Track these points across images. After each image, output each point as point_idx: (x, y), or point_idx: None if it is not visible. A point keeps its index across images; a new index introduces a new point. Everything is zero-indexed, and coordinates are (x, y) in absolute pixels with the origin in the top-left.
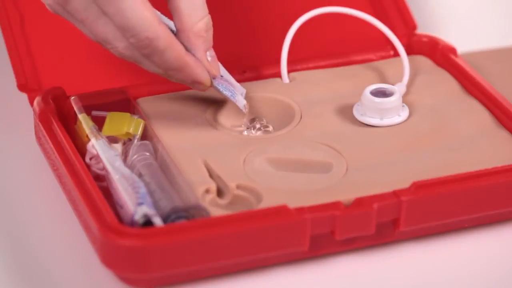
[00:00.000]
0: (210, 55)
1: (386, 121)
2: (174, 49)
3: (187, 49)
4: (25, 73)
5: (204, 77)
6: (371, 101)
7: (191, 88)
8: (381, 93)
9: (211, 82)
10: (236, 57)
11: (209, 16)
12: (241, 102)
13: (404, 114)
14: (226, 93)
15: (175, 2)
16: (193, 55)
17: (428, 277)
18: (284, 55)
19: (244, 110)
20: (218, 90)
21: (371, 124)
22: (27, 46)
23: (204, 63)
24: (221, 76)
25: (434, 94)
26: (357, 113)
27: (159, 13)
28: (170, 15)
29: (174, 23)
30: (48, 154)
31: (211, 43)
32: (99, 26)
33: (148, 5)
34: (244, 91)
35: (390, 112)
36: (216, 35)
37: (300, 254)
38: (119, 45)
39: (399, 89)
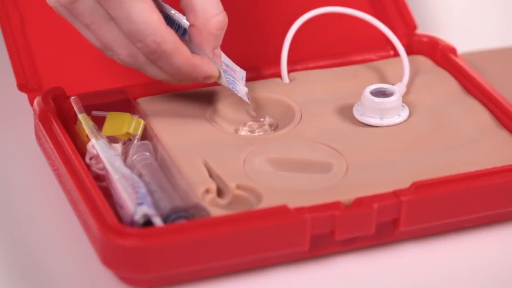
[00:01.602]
0: (217, 53)
1: (386, 121)
2: (181, 52)
3: (194, 46)
4: (25, 73)
5: (213, 71)
6: (371, 101)
7: (191, 88)
8: (381, 93)
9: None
10: (237, 57)
11: (224, 13)
12: (242, 91)
13: (404, 114)
14: (229, 86)
15: None
16: (199, 52)
17: (428, 277)
18: (284, 55)
19: (247, 100)
20: (220, 84)
21: (371, 124)
22: (27, 46)
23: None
24: (223, 64)
25: (434, 94)
26: (357, 113)
27: (170, 7)
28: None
29: (187, 18)
30: (48, 154)
31: (220, 42)
32: (104, 31)
33: (155, 9)
34: (244, 73)
35: (390, 112)
36: None
37: (300, 254)
38: (122, 52)
39: (399, 89)
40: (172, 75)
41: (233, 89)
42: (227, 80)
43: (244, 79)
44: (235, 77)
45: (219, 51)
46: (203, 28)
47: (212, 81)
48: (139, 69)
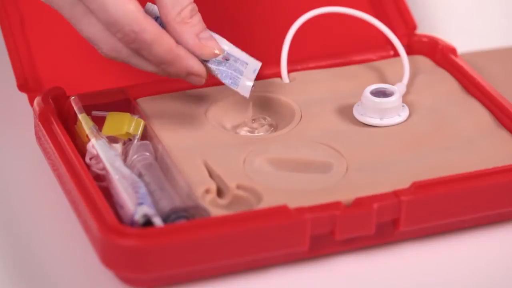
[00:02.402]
0: (203, 36)
1: (386, 121)
2: (162, 42)
3: (178, 42)
4: (25, 73)
5: (198, 68)
6: (371, 101)
7: (191, 88)
8: (381, 93)
9: (211, 70)
10: None
11: (193, 4)
12: (245, 88)
13: (404, 114)
14: (226, 81)
15: None
16: (184, 45)
17: (428, 277)
18: (284, 55)
19: (245, 95)
20: (218, 77)
21: (371, 124)
22: (27, 46)
23: (196, 49)
24: (226, 59)
25: (434, 94)
26: (357, 113)
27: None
28: None
29: (160, 13)
30: (48, 154)
31: (200, 26)
32: (84, 25)
33: None
34: (258, 65)
35: (390, 112)
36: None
37: (300, 254)
38: (105, 46)
39: (399, 89)
40: (156, 65)
41: (232, 86)
42: (221, 74)
43: (257, 71)
44: (239, 70)
45: (206, 33)
46: (174, 22)
47: (198, 81)
48: (125, 62)
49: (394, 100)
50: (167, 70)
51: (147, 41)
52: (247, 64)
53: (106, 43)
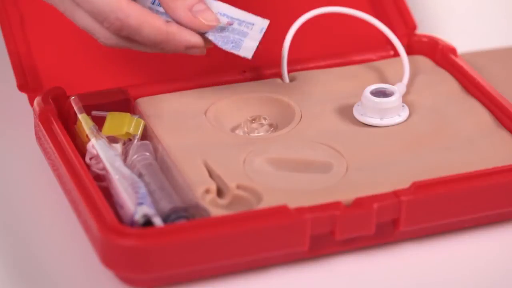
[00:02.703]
0: (196, 9)
1: (386, 121)
2: (150, 24)
3: (172, 18)
4: (25, 73)
5: (195, 40)
6: (371, 101)
7: (190, 88)
8: (381, 93)
9: (209, 39)
10: (236, 57)
11: None
12: (248, 50)
13: (404, 114)
14: (227, 46)
15: None
16: (178, 21)
17: (428, 277)
18: (285, 55)
19: (248, 56)
20: (218, 45)
21: (371, 124)
22: (27, 46)
23: (190, 22)
24: (229, 24)
25: (434, 94)
26: (357, 113)
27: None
28: None
29: None
30: (48, 154)
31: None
32: (77, 18)
33: None
34: (265, 24)
35: (390, 112)
36: None
37: (300, 254)
38: (100, 36)
39: (399, 89)
40: (152, 46)
41: (234, 50)
42: (222, 41)
43: (264, 30)
44: (243, 33)
45: (200, 6)
46: None
47: (200, 52)
48: (126, 47)
49: (394, 100)
50: (165, 49)
51: (133, 26)
52: (252, 25)
53: (100, 33)
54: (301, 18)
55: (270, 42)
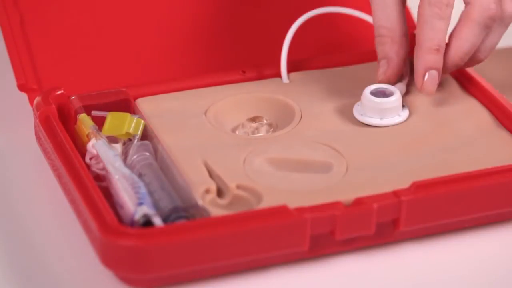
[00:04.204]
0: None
1: (386, 121)
2: None
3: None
4: (25, 73)
5: None
6: (371, 101)
7: (190, 88)
8: (381, 93)
9: None
10: (236, 57)
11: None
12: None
13: (404, 114)
14: None
15: None
16: None
17: (428, 277)
18: (284, 55)
19: None
20: None
21: (371, 124)
22: (27, 46)
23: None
24: None
25: (434, 94)
26: (357, 113)
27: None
28: None
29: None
30: (48, 154)
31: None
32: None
33: None
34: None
35: (390, 112)
36: (216, 35)
37: (300, 254)
38: None
39: (399, 89)
40: None
41: None
42: None
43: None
44: None
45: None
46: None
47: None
48: None
49: (394, 100)
50: None
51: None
52: None
53: None
54: (301, 18)
55: (270, 42)
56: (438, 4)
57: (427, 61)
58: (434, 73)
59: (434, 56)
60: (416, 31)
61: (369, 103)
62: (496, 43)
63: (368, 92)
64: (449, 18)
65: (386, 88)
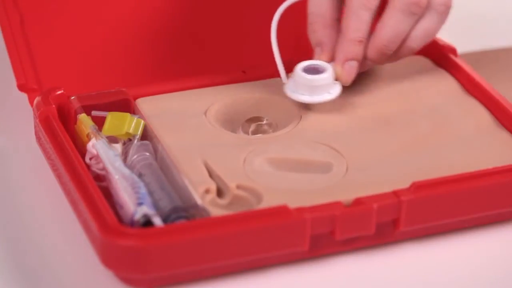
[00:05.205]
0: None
1: (316, 98)
2: None
3: None
4: (25, 73)
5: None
6: (302, 78)
7: (190, 88)
8: (313, 70)
9: None
10: (236, 57)
11: None
12: None
13: (334, 91)
14: None
15: None
16: None
17: (428, 277)
18: (275, 51)
19: None
20: None
21: (300, 100)
22: (27, 46)
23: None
24: None
25: (434, 94)
26: (288, 90)
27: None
28: None
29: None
30: (48, 154)
31: None
32: None
33: None
34: None
35: (320, 90)
36: (216, 35)
37: (300, 254)
38: None
39: (332, 67)
40: None
41: None
42: None
43: None
44: None
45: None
46: None
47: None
48: None
49: (325, 77)
50: None
51: None
52: None
53: None
54: (280, 7)
55: (270, 42)
56: None
57: (349, 52)
58: (354, 63)
59: (356, 48)
60: (342, 20)
61: (300, 80)
62: (432, 31)
63: (299, 69)
64: (375, 9)
65: (319, 65)
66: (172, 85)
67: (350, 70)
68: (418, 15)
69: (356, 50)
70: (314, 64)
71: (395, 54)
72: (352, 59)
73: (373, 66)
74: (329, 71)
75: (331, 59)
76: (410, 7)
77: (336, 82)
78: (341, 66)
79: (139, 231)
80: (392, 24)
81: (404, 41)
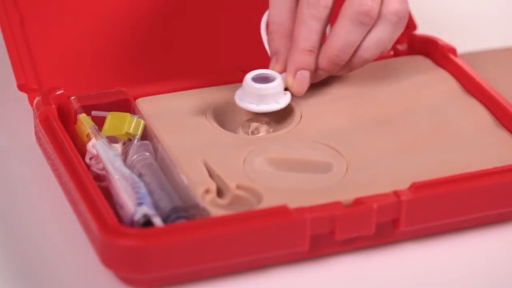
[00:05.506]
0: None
1: (263, 107)
2: None
3: None
4: (25, 73)
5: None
6: (250, 87)
7: (190, 88)
8: (263, 79)
9: None
10: (236, 57)
11: None
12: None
13: (283, 101)
14: None
15: None
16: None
17: (428, 277)
18: (268, 49)
19: None
20: None
21: (248, 109)
22: (27, 46)
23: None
24: None
25: (434, 94)
26: (237, 98)
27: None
28: None
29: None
30: (48, 154)
31: None
32: None
33: None
34: None
35: (268, 98)
36: (215, 35)
37: (300, 254)
38: None
39: (282, 77)
40: None
41: None
42: None
43: None
44: None
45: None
46: None
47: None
48: None
49: (274, 86)
50: None
51: None
52: None
53: None
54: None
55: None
56: (315, 5)
57: (300, 62)
58: (305, 73)
59: (307, 57)
60: (293, 31)
61: (248, 88)
62: (385, 41)
63: (249, 77)
64: (326, 19)
65: (269, 74)
66: (172, 85)
67: (302, 80)
68: (368, 25)
69: (307, 59)
70: (264, 73)
71: (348, 64)
72: (303, 68)
73: (326, 76)
74: (278, 80)
75: (285, 69)
76: (360, 17)
77: (286, 92)
78: (293, 76)
79: (139, 231)
80: (343, 34)
81: (356, 51)
